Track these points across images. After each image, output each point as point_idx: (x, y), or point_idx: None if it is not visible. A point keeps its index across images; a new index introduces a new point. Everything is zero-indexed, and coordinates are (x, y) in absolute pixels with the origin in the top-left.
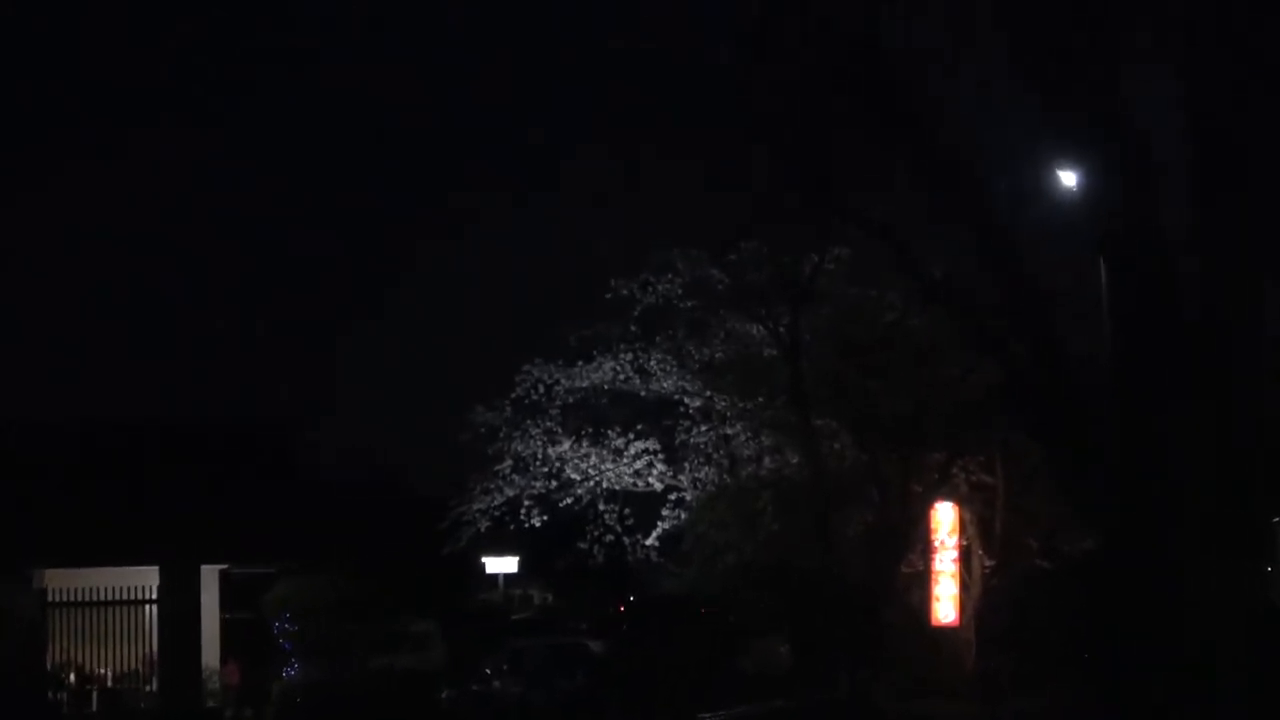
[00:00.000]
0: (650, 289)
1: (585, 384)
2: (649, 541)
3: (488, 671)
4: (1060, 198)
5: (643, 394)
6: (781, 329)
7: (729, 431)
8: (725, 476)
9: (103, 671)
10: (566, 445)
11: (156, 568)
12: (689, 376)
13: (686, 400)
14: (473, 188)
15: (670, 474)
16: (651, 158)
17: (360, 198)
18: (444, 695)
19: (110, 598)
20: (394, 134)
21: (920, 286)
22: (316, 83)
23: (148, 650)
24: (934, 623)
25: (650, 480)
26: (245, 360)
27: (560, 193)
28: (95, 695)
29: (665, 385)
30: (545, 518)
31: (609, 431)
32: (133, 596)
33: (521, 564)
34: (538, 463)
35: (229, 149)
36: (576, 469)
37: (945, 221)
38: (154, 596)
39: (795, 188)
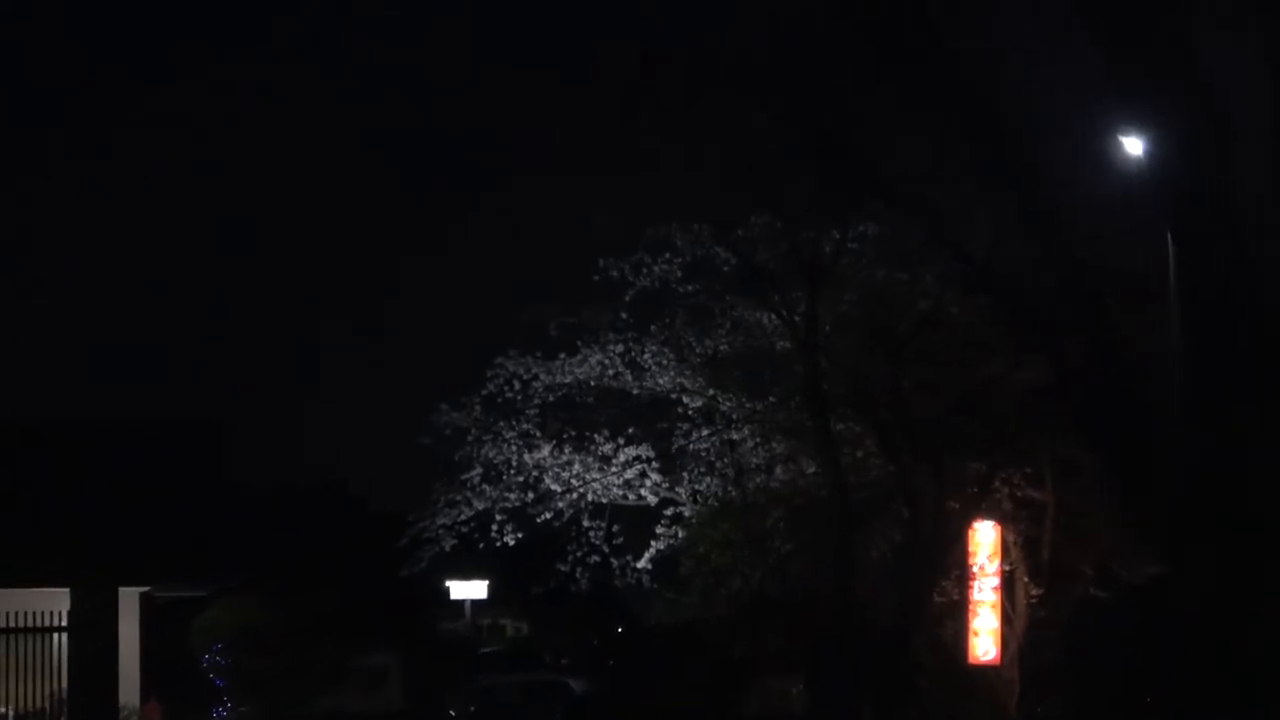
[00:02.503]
0: (645, 270)
1: (568, 379)
2: (640, 564)
3: (452, 714)
4: (1123, 169)
5: (635, 392)
6: (797, 318)
7: (735, 437)
8: (730, 489)
9: (2, 711)
10: (545, 451)
11: (66, 590)
12: (689, 372)
13: (685, 400)
14: (448, 169)
15: (666, 485)
16: (648, 119)
17: (332, 181)
18: None
19: (11, 624)
20: (374, 118)
21: (959, 269)
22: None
23: (55, 686)
24: (971, 660)
25: (643, 493)
26: (180, 357)
27: (533, 167)
28: None
29: (661, 382)
30: (520, 535)
31: (595, 435)
32: (38, 623)
33: (492, 589)
34: (512, 471)
35: (193, 142)
36: (557, 479)
37: (989, 195)
38: (63, 623)
39: (815, 153)
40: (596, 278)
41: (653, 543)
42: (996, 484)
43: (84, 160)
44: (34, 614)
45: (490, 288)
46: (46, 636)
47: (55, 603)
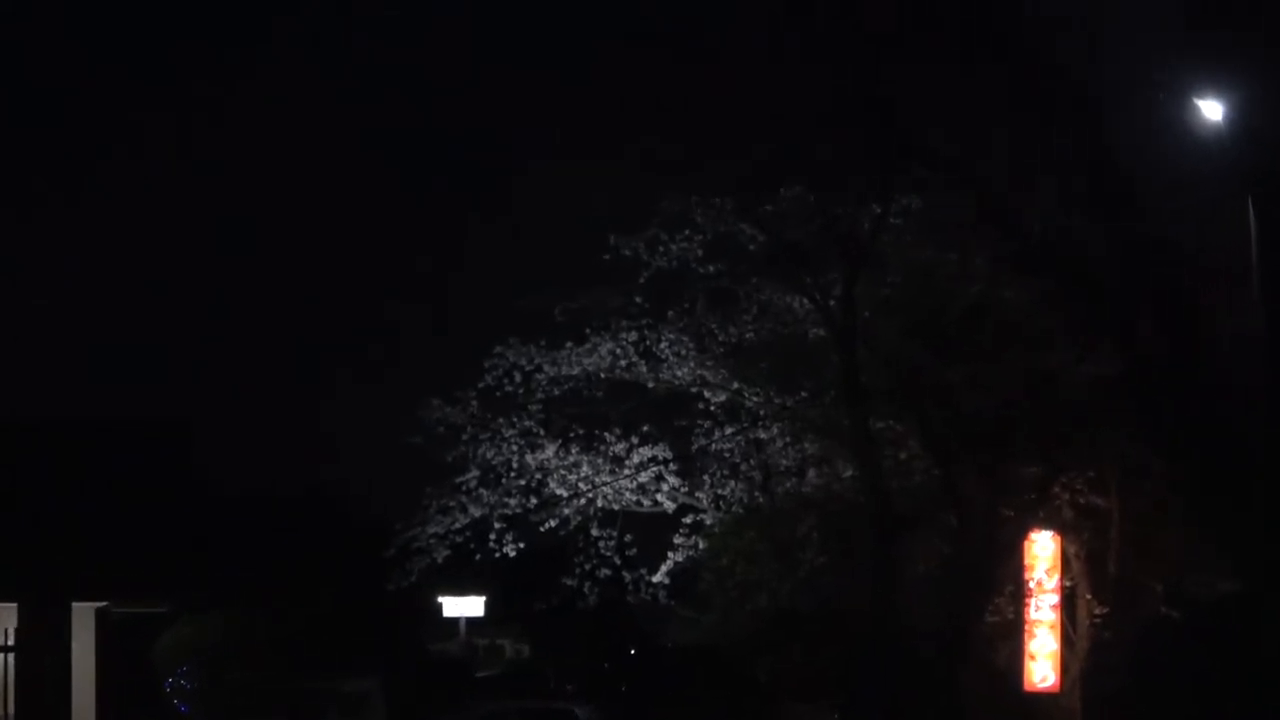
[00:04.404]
0: (661, 249)
1: (575, 371)
2: (656, 577)
3: None
4: (1201, 136)
5: (650, 385)
6: (832, 302)
7: (762, 435)
8: (756, 494)
9: None
10: (550, 451)
11: (13, 605)
12: (710, 363)
13: (707, 394)
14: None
15: (685, 490)
16: (669, 81)
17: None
18: None
19: None
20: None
21: (1015, 248)
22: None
23: (2, 711)
24: (1027, 687)
25: (659, 498)
26: (167, 358)
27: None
28: None
29: (679, 374)
30: (521, 545)
31: (605, 434)
32: None
33: (489, 605)
34: (512, 473)
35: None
36: (562, 482)
37: (1050, 165)
38: (10, 642)
39: (853, 116)
40: (607, 257)
41: (670, 554)
42: (1056, 489)
43: (84, 160)
44: None
45: (490, 277)
46: None
47: (0, 619)
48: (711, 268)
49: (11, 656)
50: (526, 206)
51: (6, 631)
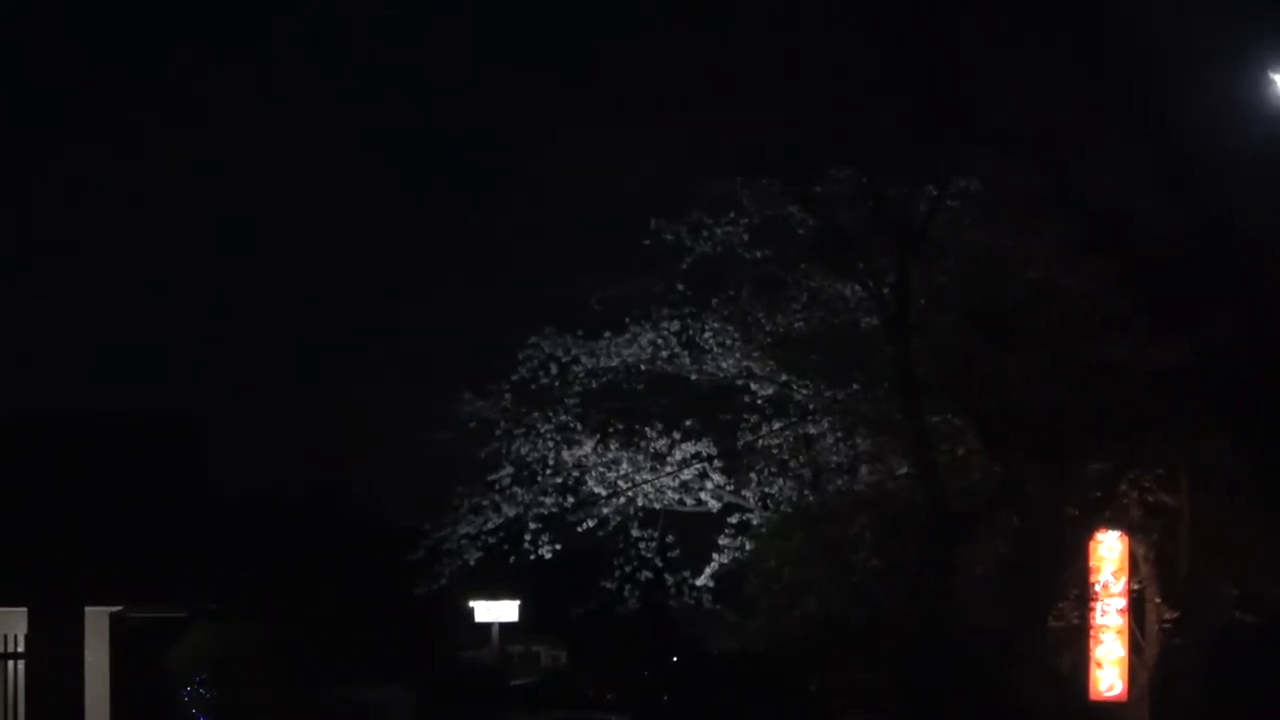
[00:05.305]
0: (704, 233)
1: (614, 363)
2: (700, 580)
3: None
4: (1274, 109)
5: (693, 378)
6: (885, 290)
7: (811, 431)
8: (805, 493)
9: None
10: (588, 447)
11: (23, 610)
12: (757, 354)
13: (753, 387)
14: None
15: (730, 488)
16: (708, 52)
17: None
18: None
19: None
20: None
21: (1078, 231)
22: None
23: None
24: (1094, 696)
25: (702, 497)
26: (177, 358)
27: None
28: None
29: (724, 366)
30: (557, 547)
31: (646, 429)
32: None
33: (524, 610)
34: (548, 471)
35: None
36: (601, 480)
37: (1115, 143)
38: (19, 649)
39: (910, 93)
40: (647, 242)
41: (714, 556)
42: (1123, 487)
43: (84, 160)
44: None
45: (526, 269)
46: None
47: (9, 625)
48: (758, 253)
49: (21, 664)
50: (561, 193)
51: (15, 638)
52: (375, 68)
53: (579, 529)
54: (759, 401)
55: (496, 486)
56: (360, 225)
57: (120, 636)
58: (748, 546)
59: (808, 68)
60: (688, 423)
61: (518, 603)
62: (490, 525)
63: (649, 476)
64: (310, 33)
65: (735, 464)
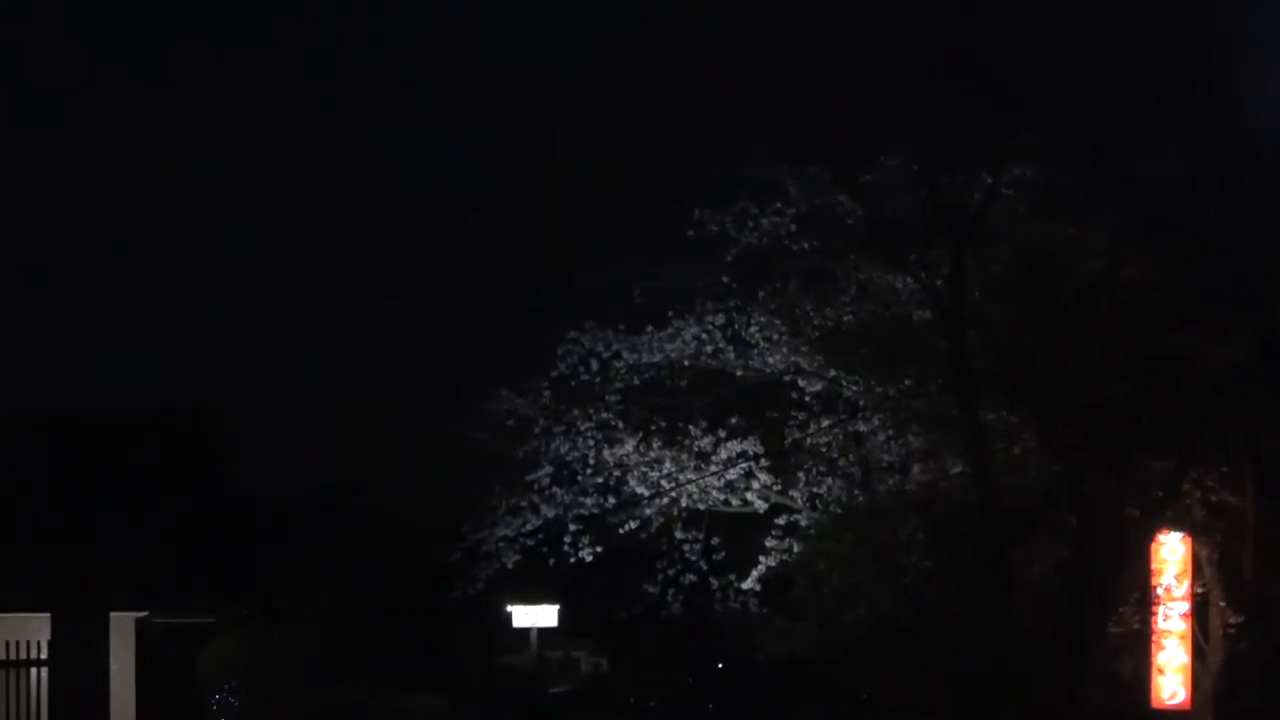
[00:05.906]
0: (750, 224)
1: (656, 358)
2: (747, 584)
3: None
4: None
5: (738, 373)
6: (938, 281)
7: (862, 428)
8: (856, 493)
9: None
10: (629, 446)
11: (46, 616)
12: (804, 349)
13: (801, 383)
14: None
15: (777, 488)
16: (754, 33)
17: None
18: None
19: None
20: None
21: (1139, 220)
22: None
23: None
24: (1155, 704)
25: (749, 497)
26: (186, 359)
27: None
28: None
29: (770, 361)
30: (598, 549)
31: (690, 427)
32: (13, 655)
33: (563, 615)
34: (588, 471)
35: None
36: (643, 480)
37: (1178, 128)
38: (43, 655)
39: (964, 77)
40: (691, 233)
41: (761, 558)
42: (1186, 487)
43: (83, 160)
44: (6, 645)
45: (567, 262)
46: (22, 671)
47: (32, 631)
48: (806, 244)
49: (45, 671)
50: (603, 184)
51: (39, 644)
52: (375, 68)
53: (620, 531)
54: (807, 398)
55: (535, 487)
56: (360, 225)
57: (146, 643)
58: (795, 548)
59: (860, 54)
60: (733, 420)
61: (557, 607)
62: (529, 527)
63: (693, 476)
64: (310, 32)
65: (782, 463)
